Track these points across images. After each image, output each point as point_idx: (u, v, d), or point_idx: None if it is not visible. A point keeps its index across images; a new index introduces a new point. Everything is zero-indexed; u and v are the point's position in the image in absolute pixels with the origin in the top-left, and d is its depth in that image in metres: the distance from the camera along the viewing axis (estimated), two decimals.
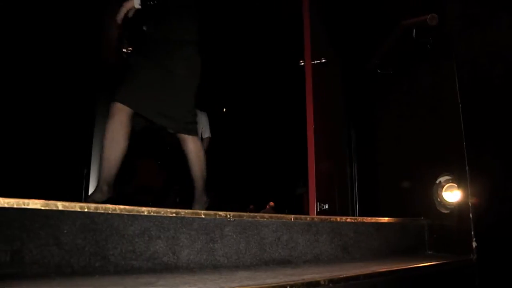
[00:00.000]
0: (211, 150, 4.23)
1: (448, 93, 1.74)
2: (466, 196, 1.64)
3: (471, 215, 1.58)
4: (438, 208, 1.79)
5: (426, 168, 1.90)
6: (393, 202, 2.36)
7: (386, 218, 1.80)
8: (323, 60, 2.44)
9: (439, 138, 1.84)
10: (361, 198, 2.90)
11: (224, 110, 7.17)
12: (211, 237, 1.24)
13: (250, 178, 6.40)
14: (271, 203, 6.22)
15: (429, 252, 1.83)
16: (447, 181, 1.77)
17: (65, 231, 1.02)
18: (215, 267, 1.23)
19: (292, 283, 1.00)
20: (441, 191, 1.78)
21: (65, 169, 2.94)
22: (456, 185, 1.72)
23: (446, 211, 1.75)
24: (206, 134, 4.00)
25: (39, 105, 2.60)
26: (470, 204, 1.60)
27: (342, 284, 1.14)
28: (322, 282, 1.08)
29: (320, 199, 2.36)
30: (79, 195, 3.00)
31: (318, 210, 2.33)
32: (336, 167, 2.92)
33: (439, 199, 1.79)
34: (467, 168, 1.61)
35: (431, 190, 1.86)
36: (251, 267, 1.29)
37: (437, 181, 1.80)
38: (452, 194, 1.74)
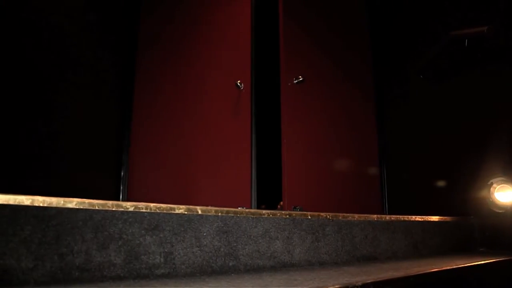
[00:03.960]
0: None
1: (503, 96, 1.87)
2: None
3: None
4: (491, 208, 1.92)
5: (475, 170, 2.03)
6: (428, 201, 2.50)
7: (437, 217, 1.92)
8: (300, 78, 2.57)
9: (490, 141, 1.97)
10: (390, 197, 3.04)
11: None
12: (316, 236, 1.34)
13: (260, 178, 6.47)
14: (282, 203, 6.31)
15: (481, 249, 1.97)
16: (499, 182, 1.90)
17: (205, 234, 1.10)
18: (321, 264, 1.33)
19: (414, 274, 1.11)
20: (494, 192, 1.91)
21: (103, 170, 2.97)
22: (509, 186, 1.86)
23: (500, 211, 1.89)
24: None
25: (78, 107, 2.62)
26: None
27: (441, 275, 1.26)
28: (431, 273, 1.19)
29: (293, 202, 2.52)
30: (117, 197, 3.03)
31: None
32: (363, 169, 3.06)
33: (491, 199, 1.92)
34: None
35: (481, 191, 2.00)
36: (347, 263, 1.39)
37: (489, 182, 1.93)
38: (505, 194, 1.87)
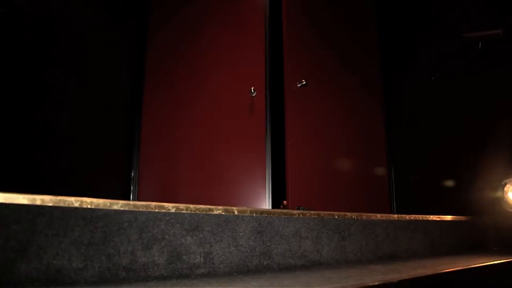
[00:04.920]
0: None
1: None
2: None
3: None
4: (505, 207, 1.96)
5: (489, 170, 2.07)
6: (438, 201, 2.55)
7: (452, 217, 1.96)
8: (304, 82, 2.63)
9: (504, 141, 2.02)
10: (398, 197, 3.09)
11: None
12: (342, 235, 1.37)
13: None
14: (284, 202, 6.36)
15: (495, 248, 2.01)
16: None
17: (241, 234, 1.12)
18: (347, 263, 1.36)
19: (440, 272, 1.14)
20: (507, 192, 1.95)
21: (113, 171, 2.98)
22: None
23: None
24: None
25: (89, 110, 2.63)
26: None
27: (465, 273, 1.30)
28: (457, 272, 1.23)
29: (297, 202, 2.60)
30: (127, 198, 3.04)
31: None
32: (370, 169, 3.11)
33: (505, 199, 1.97)
34: None
35: (495, 191, 2.04)
36: (372, 262, 1.43)
37: (503, 183, 1.98)
38: None
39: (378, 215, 1.52)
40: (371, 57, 3.20)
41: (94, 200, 0.93)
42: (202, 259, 1.05)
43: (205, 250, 1.06)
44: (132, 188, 3.08)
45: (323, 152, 2.85)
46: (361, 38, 3.17)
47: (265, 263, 1.16)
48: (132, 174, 3.08)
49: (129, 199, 3.02)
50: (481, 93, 2.19)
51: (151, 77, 3.04)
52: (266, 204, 2.76)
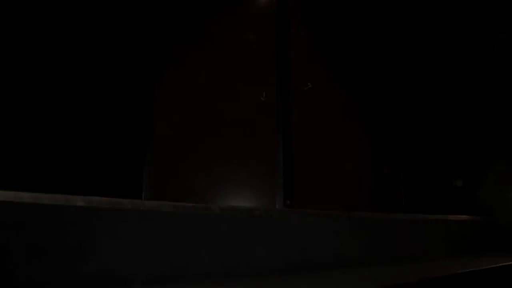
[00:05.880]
0: None
1: None
2: None
3: None
4: None
5: (503, 171, 2.12)
6: (450, 202, 2.59)
7: (466, 216, 2.01)
8: (309, 85, 2.68)
9: None
10: (408, 197, 3.12)
11: None
12: (369, 235, 1.41)
13: None
14: (287, 202, 6.41)
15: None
16: None
17: (281, 234, 1.15)
18: (374, 261, 1.39)
19: (470, 270, 1.18)
20: None
21: (124, 171, 2.98)
22: None
23: None
24: None
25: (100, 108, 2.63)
26: None
27: (489, 272, 1.34)
28: (483, 271, 1.27)
29: (301, 202, 2.66)
30: (139, 198, 3.04)
31: None
32: (378, 169, 3.14)
33: None
34: None
35: (508, 191, 2.09)
36: (397, 260, 1.46)
37: None
38: None
39: (401, 215, 1.56)
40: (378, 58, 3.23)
41: (146, 202, 0.95)
42: (244, 260, 1.07)
43: (249, 251, 1.08)
44: (143, 187, 3.08)
45: (330, 152, 2.85)
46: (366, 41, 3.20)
47: (303, 262, 1.19)
48: (143, 174, 3.08)
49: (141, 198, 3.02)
50: (492, 93, 2.24)
51: (161, 80, 3.05)
52: (277, 204, 2.77)
